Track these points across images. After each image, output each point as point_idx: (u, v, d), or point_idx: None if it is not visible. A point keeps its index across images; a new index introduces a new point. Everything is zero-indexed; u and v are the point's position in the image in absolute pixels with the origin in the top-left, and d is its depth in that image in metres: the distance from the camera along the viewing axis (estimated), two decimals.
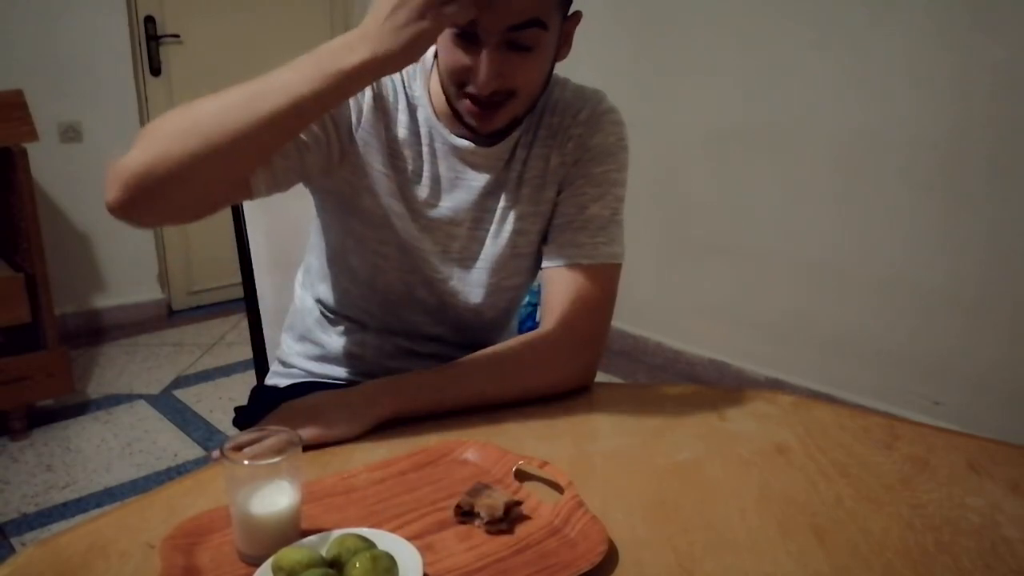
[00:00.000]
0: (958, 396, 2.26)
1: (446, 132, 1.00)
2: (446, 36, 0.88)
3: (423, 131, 1.01)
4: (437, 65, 0.96)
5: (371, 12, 0.79)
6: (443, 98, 0.97)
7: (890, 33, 2.24)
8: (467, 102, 0.92)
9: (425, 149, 1.01)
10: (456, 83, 0.91)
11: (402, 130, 1.00)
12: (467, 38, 0.86)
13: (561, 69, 1.02)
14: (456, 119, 0.96)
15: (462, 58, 0.88)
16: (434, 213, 1.03)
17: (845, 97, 2.37)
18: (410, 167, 1.01)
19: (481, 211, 1.04)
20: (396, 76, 1.00)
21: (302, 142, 0.91)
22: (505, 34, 0.85)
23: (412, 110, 1.01)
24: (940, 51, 2.16)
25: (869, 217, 2.37)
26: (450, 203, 1.03)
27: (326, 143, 0.94)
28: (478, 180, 1.02)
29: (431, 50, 0.97)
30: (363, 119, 0.98)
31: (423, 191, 1.02)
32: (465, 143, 1.00)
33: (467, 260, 1.06)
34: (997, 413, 2.16)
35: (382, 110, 0.99)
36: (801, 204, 2.53)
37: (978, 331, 2.20)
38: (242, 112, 0.78)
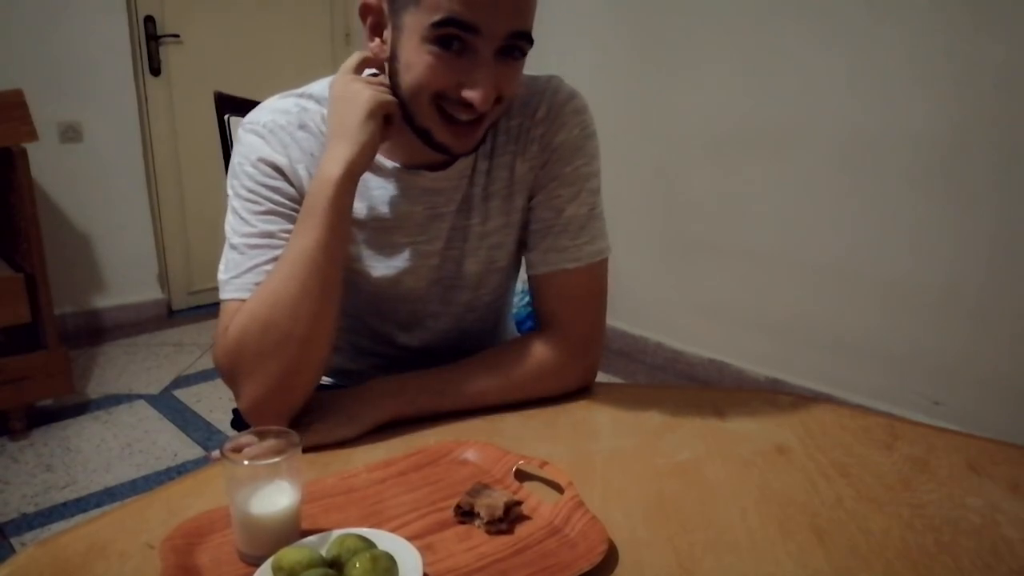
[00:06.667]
0: (958, 396, 2.26)
1: (398, 167, 0.96)
2: (422, 51, 0.83)
3: (374, 174, 0.96)
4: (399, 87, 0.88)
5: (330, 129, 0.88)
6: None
7: (892, 32, 2.24)
8: (442, 120, 0.87)
9: (387, 192, 0.97)
10: (435, 101, 0.85)
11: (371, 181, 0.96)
12: (458, 50, 0.82)
13: (563, 68, 1.02)
14: (426, 143, 0.90)
15: (447, 73, 0.83)
16: (409, 254, 1.00)
17: (847, 96, 2.37)
18: (385, 215, 0.98)
19: (455, 234, 1.01)
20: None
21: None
22: (503, 41, 0.82)
23: None
24: (942, 50, 2.15)
25: (870, 217, 2.37)
26: (424, 237, 0.99)
27: None
28: (449, 206, 0.99)
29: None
30: None
31: (399, 236, 0.99)
32: (422, 173, 0.96)
33: (446, 285, 1.04)
34: (997, 413, 2.16)
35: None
36: (802, 204, 2.53)
37: (979, 331, 2.20)
38: (297, 295, 0.85)
